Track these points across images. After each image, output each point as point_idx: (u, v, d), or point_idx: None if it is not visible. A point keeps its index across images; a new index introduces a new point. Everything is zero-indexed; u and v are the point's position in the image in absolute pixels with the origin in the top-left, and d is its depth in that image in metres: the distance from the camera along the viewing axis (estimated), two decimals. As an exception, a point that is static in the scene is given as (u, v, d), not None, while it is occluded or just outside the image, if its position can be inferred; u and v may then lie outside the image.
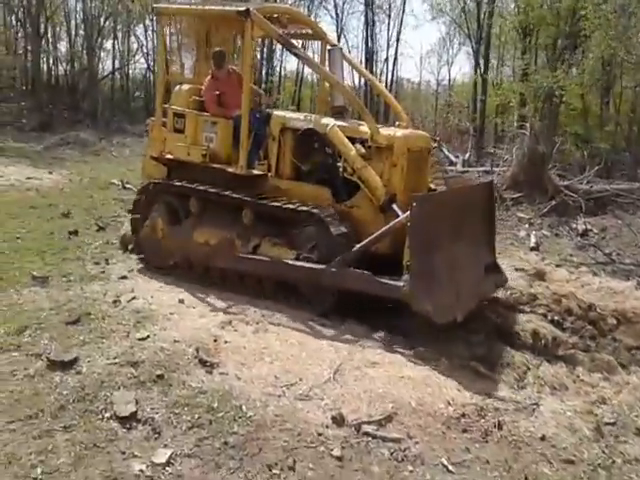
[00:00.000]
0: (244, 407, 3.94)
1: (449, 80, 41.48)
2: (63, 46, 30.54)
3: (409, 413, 4.04)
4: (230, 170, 6.44)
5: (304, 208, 5.94)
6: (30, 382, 4.07)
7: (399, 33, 29.74)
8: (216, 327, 5.21)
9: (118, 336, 4.85)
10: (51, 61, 29.34)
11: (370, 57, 30.57)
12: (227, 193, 6.32)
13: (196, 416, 3.80)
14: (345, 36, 32.51)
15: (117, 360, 4.41)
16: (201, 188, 6.52)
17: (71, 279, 6.29)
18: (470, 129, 21.39)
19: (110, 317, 5.25)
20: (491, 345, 5.25)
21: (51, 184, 12.16)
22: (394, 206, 5.66)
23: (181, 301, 5.86)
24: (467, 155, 19.85)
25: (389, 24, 30.64)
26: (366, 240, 5.52)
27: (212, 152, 6.65)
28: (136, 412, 3.76)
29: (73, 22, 30.05)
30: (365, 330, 5.45)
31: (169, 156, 7.02)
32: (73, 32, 29.87)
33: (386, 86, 31.12)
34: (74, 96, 26.79)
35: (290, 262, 5.86)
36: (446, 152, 20.03)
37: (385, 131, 6.12)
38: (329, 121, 6.27)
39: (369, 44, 29.74)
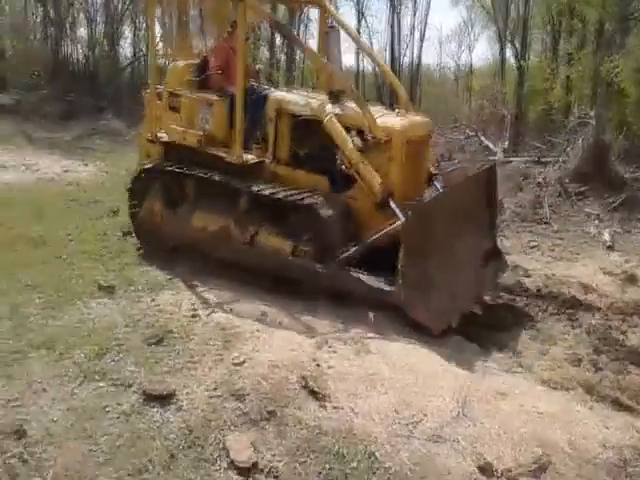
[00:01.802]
0: (377, 454, 3.41)
1: (470, 65, 40.62)
2: (82, 32, 30.03)
3: (564, 460, 3.50)
4: (225, 159, 6.19)
5: (298, 198, 5.70)
6: (127, 421, 3.57)
7: (426, 16, 28.78)
8: (312, 347, 4.67)
9: (211, 360, 4.33)
10: (70, 48, 28.75)
11: (393, 41, 29.68)
12: (222, 180, 6.09)
13: (326, 466, 3.28)
14: (366, 19, 31.60)
15: (218, 392, 3.89)
16: (196, 173, 6.27)
17: (139, 288, 5.77)
18: (507, 116, 20.61)
19: (195, 335, 4.73)
20: (620, 368, 4.69)
21: (89, 177, 11.65)
22: (391, 204, 5.44)
23: (264, 314, 5.32)
24: (506, 144, 19.16)
25: (415, 8, 29.67)
26: (362, 242, 5.44)
27: (208, 134, 6.43)
28: (257, 462, 3.24)
29: (92, 8, 29.54)
30: (476, 349, 4.91)
31: (165, 139, 6.76)
32: (93, 18, 29.34)
33: (411, 71, 30.41)
34: (95, 84, 26.23)
35: (288, 260, 5.69)
36: (485, 141, 19.36)
37: (383, 121, 5.79)
38: (327, 109, 5.96)
39: (394, 28, 28.81)
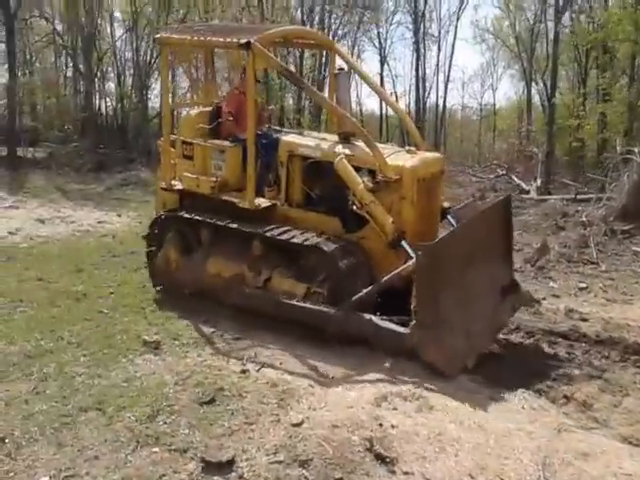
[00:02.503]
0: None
1: (494, 104, 40.68)
2: (110, 86, 30.79)
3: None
4: (238, 205, 6.24)
5: (311, 242, 5.68)
6: (189, 494, 3.33)
7: (451, 59, 29.03)
8: (371, 404, 4.40)
9: (267, 421, 4.08)
10: (99, 101, 29.44)
11: (418, 85, 29.90)
12: (236, 226, 6.13)
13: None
14: (388, 64, 31.95)
15: (279, 456, 3.64)
16: (209, 219, 6.34)
17: (183, 342, 5.59)
18: (539, 155, 20.41)
19: (247, 393, 4.50)
20: None
21: (124, 228, 11.64)
22: (403, 243, 5.44)
23: (314, 368, 5.09)
24: (539, 182, 18.90)
25: (439, 51, 29.97)
26: (373, 286, 5.38)
27: (221, 181, 6.51)
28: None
29: (121, 62, 30.35)
30: (545, 403, 4.60)
31: (179, 187, 6.85)
32: (121, 72, 30.13)
33: (437, 114, 30.52)
34: (124, 135, 26.72)
35: (297, 304, 5.61)
36: (516, 179, 19.13)
37: (393, 160, 5.81)
38: (337, 150, 6.05)
39: (419, 71, 29.07)
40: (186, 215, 6.60)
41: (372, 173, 5.77)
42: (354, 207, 5.75)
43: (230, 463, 3.53)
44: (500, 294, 6.00)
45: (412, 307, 4.96)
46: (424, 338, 4.87)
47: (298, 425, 4.01)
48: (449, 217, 6.43)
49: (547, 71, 21.69)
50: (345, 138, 6.27)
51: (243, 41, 5.95)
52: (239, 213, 6.21)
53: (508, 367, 5.46)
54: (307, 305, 5.59)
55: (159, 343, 5.44)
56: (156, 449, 3.72)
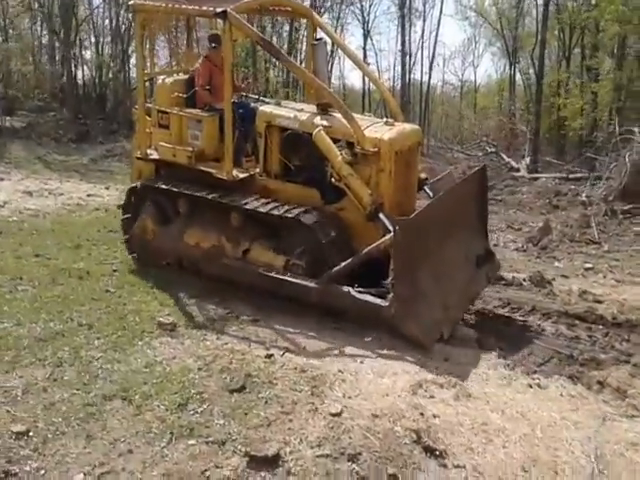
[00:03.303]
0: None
1: (475, 82, 40.58)
2: (88, 54, 29.77)
3: None
4: (216, 175, 6.16)
5: (291, 214, 5.66)
6: (236, 490, 3.13)
7: (436, 35, 28.56)
8: (407, 392, 4.24)
9: (304, 410, 3.89)
10: (77, 70, 28.50)
11: (404, 60, 29.47)
12: (214, 196, 6.07)
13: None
14: (372, 38, 31.41)
15: (325, 450, 3.45)
16: (187, 192, 6.27)
17: (199, 324, 5.37)
18: (527, 133, 20.35)
19: (277, 380, 4.29)
20: None
21: (114, 201, 11.17)
22: (381, 215, 5.42)
23: (339, 352, 4.92)
24: (528, 160, 18.87)
25: (423, 26, 29.49)
26: (351, 259, 5.36)
27: (198, 151, 6.42)
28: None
29: (98, 29, 29.30)
30: (583, 390, 4.49)
31: (155, 156, 6.74)
32: (99, 39, 29.12)
33: (421, 90, 30.19)
34: (103, 105, 25.93)
35: (278, 276, 5.65)
36: (505, 157, 19.06)
37: (371, 132, 5.78)
38: (316, 122, 5.97)
39: (405, 47, 28.61)
40: (163, 186, 6.52)
41: (350, 145, 5.74)
42: (332, 179, 5.73)
43: (276, 458, 3.33)
44: (475, 264, 6.10)
45: (390, 280, 4.97)
46: (402, 311, 4.91)
47: (337, 415, 3.84)
48: (426, 189, 6.50)
49: (535, 49, 21.43)
50: (323, 109, 6.19)
51: (219, 10, 5.83)
52: (217, 183, 6.17)
53: (534, 350, 5.35)
54: (287, 278, 5.62)
55: (175, 325, 5.20)
56: (192, 441, 3.51)
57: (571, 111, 21.69)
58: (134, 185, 7.02)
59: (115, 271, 6.69)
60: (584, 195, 11.49)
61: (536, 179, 15.93)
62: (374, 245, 5.24)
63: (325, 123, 5.93)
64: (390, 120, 6.22)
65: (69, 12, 24.19)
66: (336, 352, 4.94)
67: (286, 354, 4.82)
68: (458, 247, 5.62)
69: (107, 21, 29.17)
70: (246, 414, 3.82)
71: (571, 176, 15.19)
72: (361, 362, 4.76)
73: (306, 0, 24.49)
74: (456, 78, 40.69)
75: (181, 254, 6.44)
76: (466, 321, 5.94)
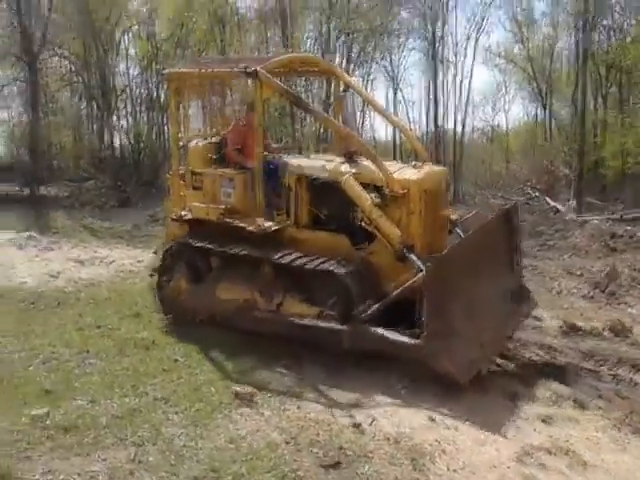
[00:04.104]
0: None
1: (506, 126, 40.54)
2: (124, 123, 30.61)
3: None
4: (248, 229, 6.19)
5: (323, 267, 5.65)
6: None
7: (470, 84, 28.81)
8: (513, 461, 3.93)
9: (410, 488, 3.59)
10: (116, 138, 29.28)
11: (436, 109, 29.67)
12: (246, 252, 6.11)
13: None
14: (401, 90, 31.81)
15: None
16: (219, 249, 6.34)
17: (275, 393, 5.11)
18: (570, 176, 20.03)
19: (371, 453, 4.02)
20: None
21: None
22: (412, 255, 5.45)
23: (429, 418, 4.59)
24: (573, 202, 18.50)
25: (455, 74, 29.78)
26: (383, 300, 5.35)
27: (230, 207, 6.50)
28: None
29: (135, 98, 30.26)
30: None
31: (189, 216, 6.82)
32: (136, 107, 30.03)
33: (454, 138, 30.27)
34: (140, 172, 26.41)
35: (309, 323, 5.63)
36: (550, 201, 18.71)
37: (400, 174, 5.87)
38: (344, 169, 6.06)
39: (436, 96, 28.85)
40: (197, 243, 6.58)
41: (378, 189, 5.81)
42: (362, 223, 5.80)
43: None
44: (510, 300, 6.02)
45: (422, 318, 4.95)
46: (435, 348, 4.83)
47: (449, 493, 3.53)
48: (457, 229, 6.44)
49: (577, 90, 21.30)
50: (350, 157, 6.27)
51: (250, 69, 6.02)
52: (248, 239, 6.19)
53: (635, 406, 4.97)
54: (318, 323, 5.60)
55: (252, 395, 4.96)
56: (298, 527, 3.23)
57: (610, 151, 21.42)
58: (169, 246, 7.10)
59: (179, 339, 6.52)
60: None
61: (586, 221, 15.52)
62: (405, 285, 5.24)
63: (353, 170, 6.03)
64: (418, 163, 6.30)
65: (108, 84, 25.07)
66: (425, 418, 4.63)
67: (374, 423, 4.53)
68: (491, 284, 5.54)
69: (143, 89, 30.11)
70: (349, 494, 3.54)
71: (625, 217, 14.78)
72: (455, 429, 4.44)
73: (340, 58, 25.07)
74: (486, 123, 40.71)
75: (214, 310, 6.40)
76: (553, 375, 5.59)
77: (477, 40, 29.66)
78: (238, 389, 5.02)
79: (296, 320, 5.75)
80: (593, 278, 9.91)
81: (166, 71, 7.30)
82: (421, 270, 5.13)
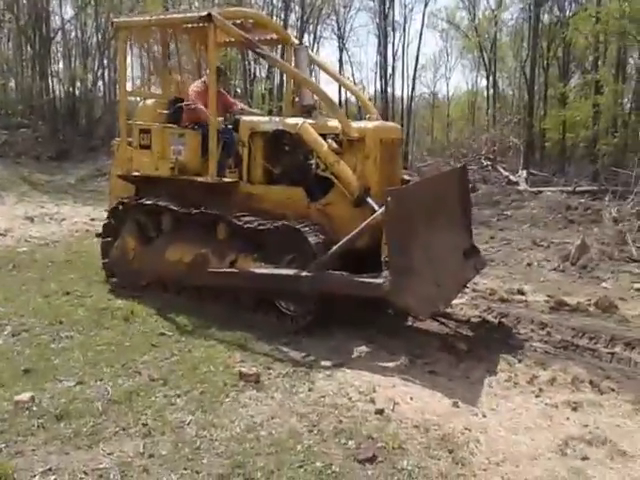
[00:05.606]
0: None
1: (447, 94, 40.85)
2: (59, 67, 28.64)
3: None
4: (200, 180, 6.23)
5: (280, 223, 5.68)
6: None
7: (419, 48, 28.57)
8: (555, 452, 3.71)
9: (462, 485, 3.33)
10: (51, 85, 27.42)
11: (385, 73, 29.35)
12: (199, 210, 6.05)
13: None
14: (347, 51, 31.35)
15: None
16: (173, 207, 6.23)
17: (281, 372, 4.73)
18: (521, 146, 20.22)
19: (404, 444, 3.71)
20: None
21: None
22: (369, 200, 5.55)
23: (455, 404, 4.34)
24: (522, 173, 18.68)
25: (404, 39, 29.56)
26: (343, 240, 5.33)
27: (181, 164, 6.44)
28: None
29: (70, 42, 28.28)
30: None
31: (136, 173, 6.74)
32: (72, 53, 28.10)
33: (402, 103, 30.10)
34: (76, 121, 24.85)
35: (265, 271, 5.60)
36: (503, 171, 18.83)
37: (356, 124, 6.01)
38: (298, 120, 6.12)
39: (386, 59, 28.50)
40: (147, 202, 6.44)
41: (335, 138, 5.85)
42: (319, 170, 5.91)
43: None
44: (462, 255, 6.11)
45: (384, 257, 5.03)
46: (397, 284, 4.86)
47: (501, 490, 3.28)
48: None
49: (527, 62, 21.39)
50: (307, 112, 6.32)
51: (204, 13, 6.00)
52: (200, 195, 6.16)
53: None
54: (278, 270, 5.57)
55: (258, 376, 4.56)
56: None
57: (552, 123, 21.76)
58: (115, 205, 6.87)
59: (160, 309, 6.01)
60: (615, 210, 11.21)
61: (541, 192, 15.70)
62: (364, 224, 5.23)
63: (309, 121, 6.05)
64: (372, 116, 6.67)
65: (42, 25, 23.31)
66: (448, 402, 4.37)
67: (396, 407, 4.23)
68: (445, 236, 5.65)
69: (79, 33, 28.25)
70: (394, 493, 3.24)
71: (578, 189, 15.03)
72: (483, 416, 4.21)
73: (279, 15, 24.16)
74: (428, 90, 40.86)
75: (161, 271, 6.31)
76: (554, 354, 5.48)
77: (426, 4, 29.43)
78: (243, 370, 4.60)
79: (255, 270, 5.67)
80: (560, 250, 9.97)
81: (116, 20, 7.11)
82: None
